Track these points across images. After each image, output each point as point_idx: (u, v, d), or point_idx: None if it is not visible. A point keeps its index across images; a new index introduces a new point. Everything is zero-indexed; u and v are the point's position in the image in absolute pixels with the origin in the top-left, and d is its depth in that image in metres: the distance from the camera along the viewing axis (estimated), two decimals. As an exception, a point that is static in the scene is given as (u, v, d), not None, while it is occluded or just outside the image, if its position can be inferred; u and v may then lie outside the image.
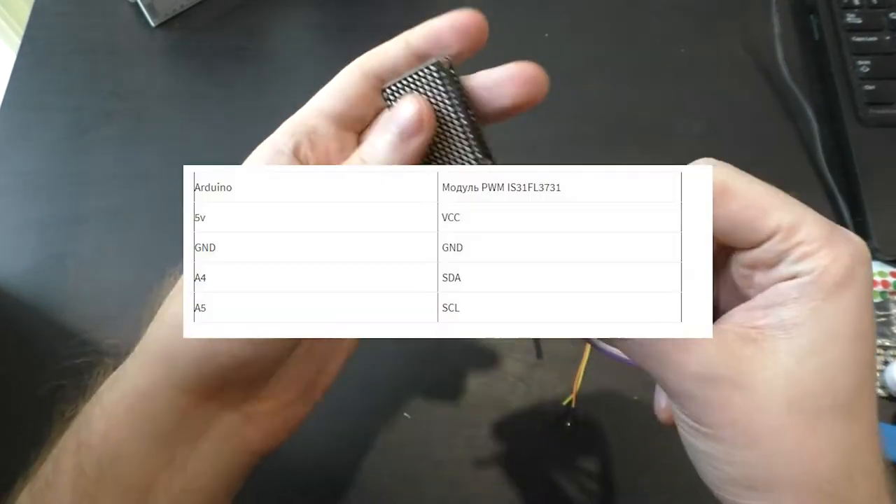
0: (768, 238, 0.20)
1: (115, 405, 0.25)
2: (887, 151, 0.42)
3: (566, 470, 0.37)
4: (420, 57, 0.24)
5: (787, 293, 0.20)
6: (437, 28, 0.24)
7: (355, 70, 0.25)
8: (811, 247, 0.19)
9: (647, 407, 0.38)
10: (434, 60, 0.23)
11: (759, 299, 0.21)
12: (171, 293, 0.26)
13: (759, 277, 0.21)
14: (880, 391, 0.37)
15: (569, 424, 0.37)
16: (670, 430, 0.37)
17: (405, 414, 0.38)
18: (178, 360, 0.25)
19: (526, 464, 0.37)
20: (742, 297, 0.22)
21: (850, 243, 0.20)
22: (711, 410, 0.20)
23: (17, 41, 0.51)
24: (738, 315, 0.21)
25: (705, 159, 0.22)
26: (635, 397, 0.38)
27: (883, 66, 0.44)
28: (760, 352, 0.19)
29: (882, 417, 0.37)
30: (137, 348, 0.26)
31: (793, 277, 0.20)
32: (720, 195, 0.21)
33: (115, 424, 0.24)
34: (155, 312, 0.26)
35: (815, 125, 0.43)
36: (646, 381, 0.38)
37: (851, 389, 0.19)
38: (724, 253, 0.22)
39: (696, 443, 0.21)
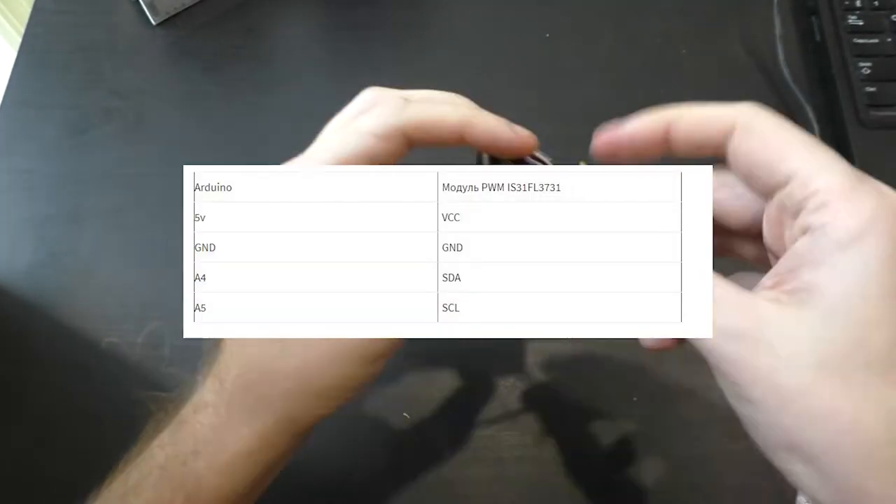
0: (785, 183, 0.19)
1: (226, 465, 0.25)
2: (888, 153, 0.42)
3: (566, 470, 0.37)
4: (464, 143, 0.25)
5: (804, 253, 0.19)
6: (499, 136, 0.25)
7: (399, 129, 0.25)
8: (826, 196, 0.18)
9: (647, 408, 0.38)
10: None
11: (783, 260, 0.20)
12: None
13: (789, 231, 0.20)
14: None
15: (568, 424, 0.37)
16: (673, 432, 0.37)
17: (404, 414, 0.38)
18: (299, 421, 0.26)
19: (525, 464, 0.37)
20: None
21: (874, 195, 0.18)
22: (739, 368, 0.19)
23: (18, 39, 0.51)
24: (767, 280, 0.20)
25: (749, 104, 0.22)
26: (634, 398, 0.38)
27: (884, 68, 0.44)
28: (785, 314, 0.19)
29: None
30: (238, 400, 0.26)
31: (806, 231, 0.19)
32: (743, 132, 0.21)
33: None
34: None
35: (815, 127, 0.43)
36: (646, 382, 0.38)
37: (887, 347, 0.17)
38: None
39: (738, 408, 0.20)
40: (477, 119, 0.25)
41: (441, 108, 0.25)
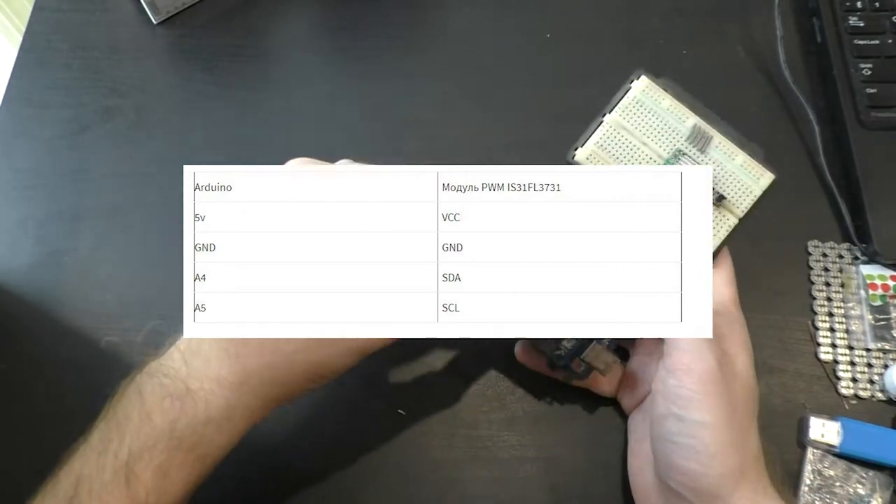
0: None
1: (234, 430, 0.28)
2: (888, 154, 0.42)
3: (566, 470, 0.37)
4: None
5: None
6: None
7: None
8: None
9: (647, 408, 0.38)
10: None
11: None
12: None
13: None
14: (879, 395, 0.37)
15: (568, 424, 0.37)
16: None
17: (399, 411, 0.38)
18: (289, 397, 0.28)
19: (525, 464, 0.37)
20: None
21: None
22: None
23: (19, 37, 0.51)
24: None
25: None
26: (634, 399, 0.38)
27: (885, 69, 0.44)
28: None
29: (882, 421, 0.37)
30: (255, 377, 0.27)
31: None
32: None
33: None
34: None
35: (816, 128, 0.43)
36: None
37: None
38: None
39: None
40: None
41: None
